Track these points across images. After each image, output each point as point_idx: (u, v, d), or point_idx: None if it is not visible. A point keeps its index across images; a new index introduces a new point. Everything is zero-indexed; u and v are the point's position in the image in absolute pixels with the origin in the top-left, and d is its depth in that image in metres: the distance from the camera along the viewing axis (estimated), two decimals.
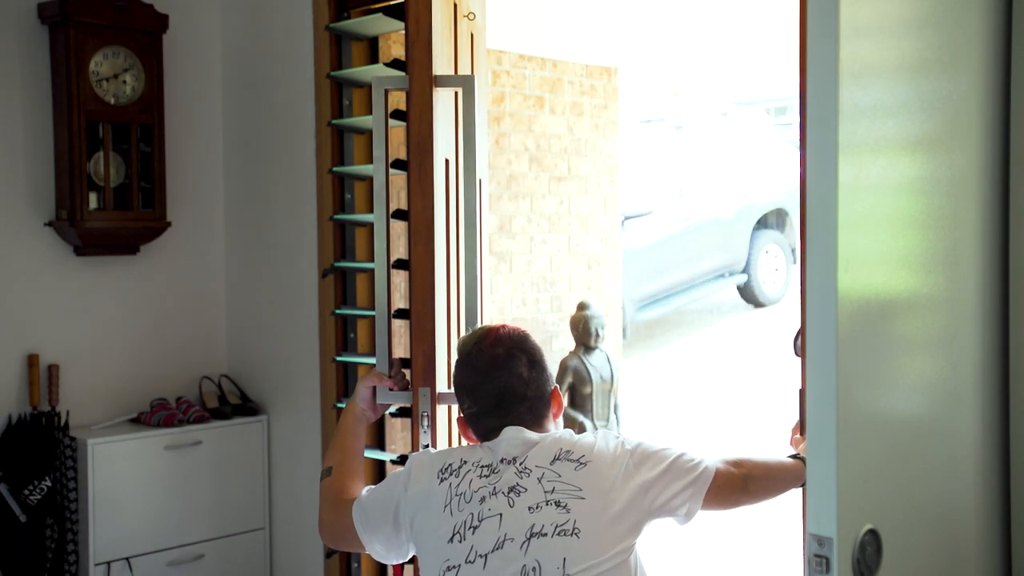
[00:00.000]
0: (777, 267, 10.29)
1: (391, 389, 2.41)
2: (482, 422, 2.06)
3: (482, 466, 1.99)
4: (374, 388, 2.39)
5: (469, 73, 2.99)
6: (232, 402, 3.82)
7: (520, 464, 1.96)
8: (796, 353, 3.11)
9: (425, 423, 2.35)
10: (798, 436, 2.22)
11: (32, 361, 3.49)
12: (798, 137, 1.91)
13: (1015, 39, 1.54)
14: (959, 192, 1.48)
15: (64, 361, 3.57)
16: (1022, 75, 1.53)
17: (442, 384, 2.39)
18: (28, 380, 3.49)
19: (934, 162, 1.45)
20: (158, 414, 3.61)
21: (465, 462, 2.00)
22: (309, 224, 3.52)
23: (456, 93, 2.53)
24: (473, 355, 2.08)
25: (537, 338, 6.35)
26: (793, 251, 10.37)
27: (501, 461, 1.98)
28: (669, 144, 11.01)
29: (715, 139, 11.19)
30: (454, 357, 2.38)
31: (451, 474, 1.99)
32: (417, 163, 2.30)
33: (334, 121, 3.40)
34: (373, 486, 2.14)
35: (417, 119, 2.29)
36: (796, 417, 2.37)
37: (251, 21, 3.80)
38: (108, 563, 3.44)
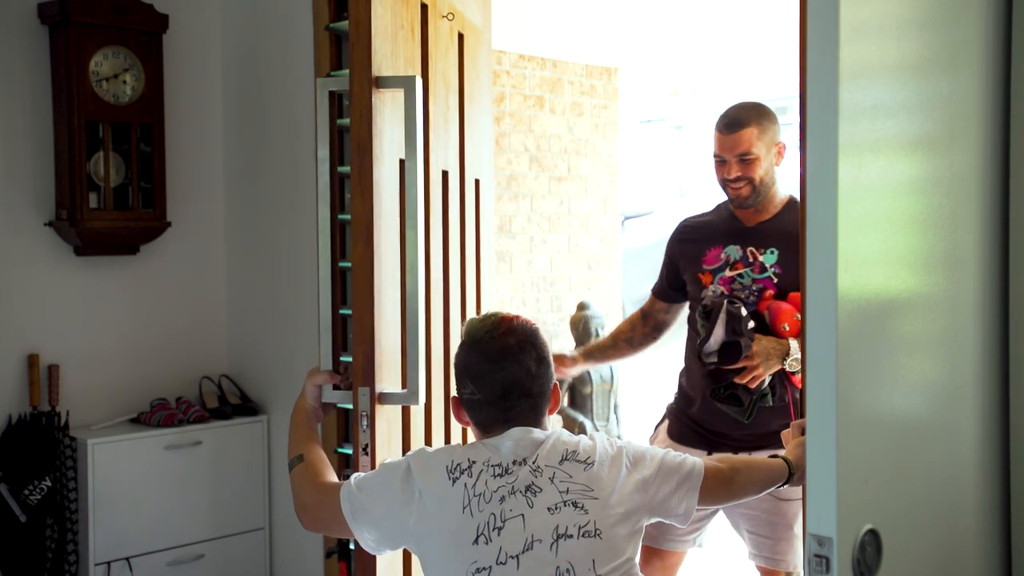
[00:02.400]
0: None
1: (338, 387, 2.36)
2: (483, 411, 2.02)
3: (493, 465, 1.95)
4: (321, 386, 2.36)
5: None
6: (232, 402, 3.82)
7: (532, 464, 1.95)
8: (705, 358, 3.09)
9: (364, 423, 2.32)
10: (788, 432, 2.24)
11: (32, 361, 3.49)
12: (798, 137, 1.91)
13: (1015, 39, 1.54)
14: (959, 192, 1.48)
15: (64, 361, 3.57)
16: (1022, 75, 1.53)
17: (382, 384, 2.37)
18: (28, 380, 3.49)
19: (934, 162, 1.45)
20: (158, 414, 3.61)
21: (474, 461, 1.95)
22: (309, 224, 3.52)
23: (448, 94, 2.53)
24: (484, 341, 2.02)
25: None
26: None
27: (513, 463, 1.95)
28: (669, 144, 11.02)
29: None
30: (388, 354, 2.36)
31: (462, 473, 1.94)
32: (357, 164, 2.32)
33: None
34: (363, 474, 2.08)
35: (357, 120, 2.30)
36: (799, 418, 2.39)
37: (251, 21, 3.80)
38: (108, 563, 3.44)
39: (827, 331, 1.24)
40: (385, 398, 2.35)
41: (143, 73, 3.59)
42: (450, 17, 2.83)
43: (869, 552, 1.28)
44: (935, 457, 1.46)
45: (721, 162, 2.83)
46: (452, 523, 1.91)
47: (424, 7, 2.67)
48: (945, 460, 1.48)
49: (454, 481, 1.94)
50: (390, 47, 2.39)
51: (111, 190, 3.54)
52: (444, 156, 2.83)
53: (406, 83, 2.32)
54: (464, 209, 3.02)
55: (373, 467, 2.35)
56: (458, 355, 2.08)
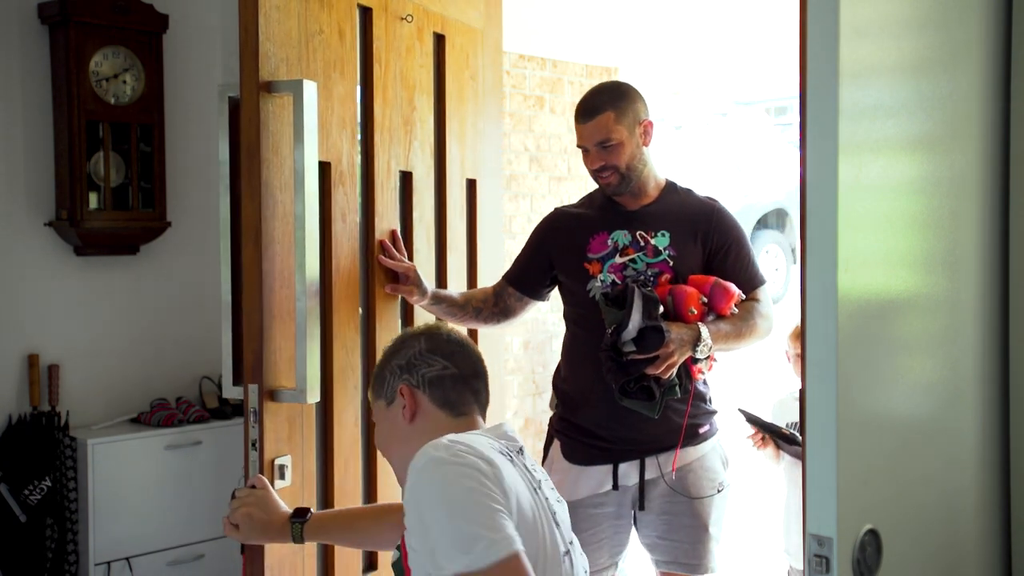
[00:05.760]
0: (777, 267, 10.29)
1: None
2: (457, 388, 1.86)
3: (512, 452, 1.81)
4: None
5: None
6: (232, 402, 3.82)
7: (524, 462, 1.85)
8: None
9: (253, 419, 2.33)
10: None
11: (32, 361, 3.49)
12: (798, 137, 1.91)
13: (1015, 39, 1.54)
14: (959, 192, 1.48)
15: (64, 361, 3.57)
16: (1022, 75, 1.53)
17: (272, 381, 2.37)
18: (28, 380, 3.49)
19: (934, 162, 1.44)
20: (158, 414, 3.61)
21: (501, 451, 1.78)
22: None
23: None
24: (445, 331, 1.95)
25: (537, 338, 6.30)
26: (793, 251, 10.37)
27: (518, 451, 1.84)
28: (669, 144, 11.02)
29: (715, 139, 11.19)
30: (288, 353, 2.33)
31: (507, 457, 1.76)
32: (247, 167, 2.35)
33: None
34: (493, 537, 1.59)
35: (246, 125, 2.33)
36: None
37: None
38: (108, 563, 3.44)
39: (827, 331, 1.23)
40: (276, 395, 2.36)
41: (143, 73, 3.59)
42: (409, 19, 2.82)
43: (869, 552, 1.28)
44: (935, 457, 1.46)
45: (585, 151, 2.68)
46: (534, 506, 1.73)
47: (367, 10, 2.68)
48: (945, 460, 1.48)
49: (512, 462, 1.76)
50: (295, 52, 2.43)
51: (111, 190, 3.54)
52: (405, 157, 2.84)
53: (294, 88, 2.35)
54: (446, 211, 3.02)
55: (261, 462, 2.32)
56: (411, 347, 1.90)
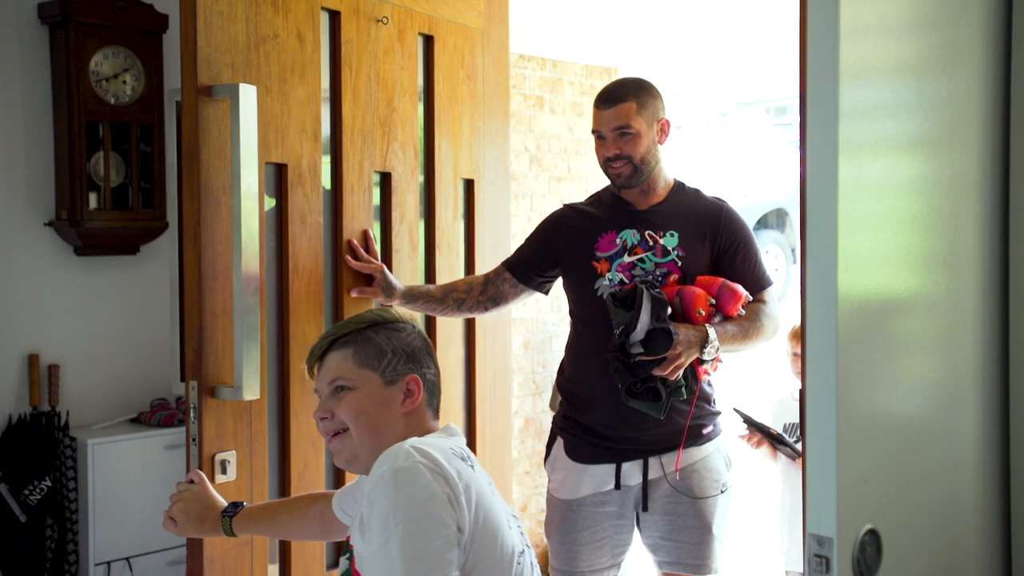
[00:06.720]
0: (777, 267, 10.30)
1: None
2: (437, 392, 1.88)
3: (466, 454, 1.82)
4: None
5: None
6: None
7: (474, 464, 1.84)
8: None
9: (193, 415, 2.36)
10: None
11: (32, 361, 3.49)
12: (798, 137, 1.91)
13: (1015, 39, 1.54)
14: (959, 192, 1.48)
15: (64, 361, 3.57)
16: (1022, 75, 1.53)
17: (214, 378, 2.39)
18: (28, 380, 3.49)
19: (934, 162, 1.44)
20: (158, 414, 3.61)
21: (462, 456, 1.79)
22: None
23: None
24: (412, 325, 1.90)
25: (537, 338, 6.31)
26: (793, 251, 10.38)
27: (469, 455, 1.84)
28: (669, 144, 11.02)
29: (715, 139, 11.19)
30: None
31: (466, 460, 1.77)
32: (187, 170, 2.40)
33: None
34: (428, 549, 1.62)
35: (186, 128, 2.40)
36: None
37: None
38: (108, 563, 3.44)
39: (827, 331, 1.23)
40: (216, 392, 2.39)
41: (143, 73, 3.59)
42: (385, 21, 2.82)
43: (869, 552, 1.28)
44: (935, 457, 1.46)
45: (600, 138, 2.67)
46: (495, 508, 1.75)
47: (335, 13, 2.69)
48: (945, 460, 1.48)
49: (473, 466, 1.77)
50: (242, 57, 2.47)
51: (111, 190, 3.54)
52: (382, 159, 2.84)
53: (231, 92, 2.40)
54: (435, 211, 3.02)
55: (200, 457, 2.33)
56: (411, 337, 1.87)
